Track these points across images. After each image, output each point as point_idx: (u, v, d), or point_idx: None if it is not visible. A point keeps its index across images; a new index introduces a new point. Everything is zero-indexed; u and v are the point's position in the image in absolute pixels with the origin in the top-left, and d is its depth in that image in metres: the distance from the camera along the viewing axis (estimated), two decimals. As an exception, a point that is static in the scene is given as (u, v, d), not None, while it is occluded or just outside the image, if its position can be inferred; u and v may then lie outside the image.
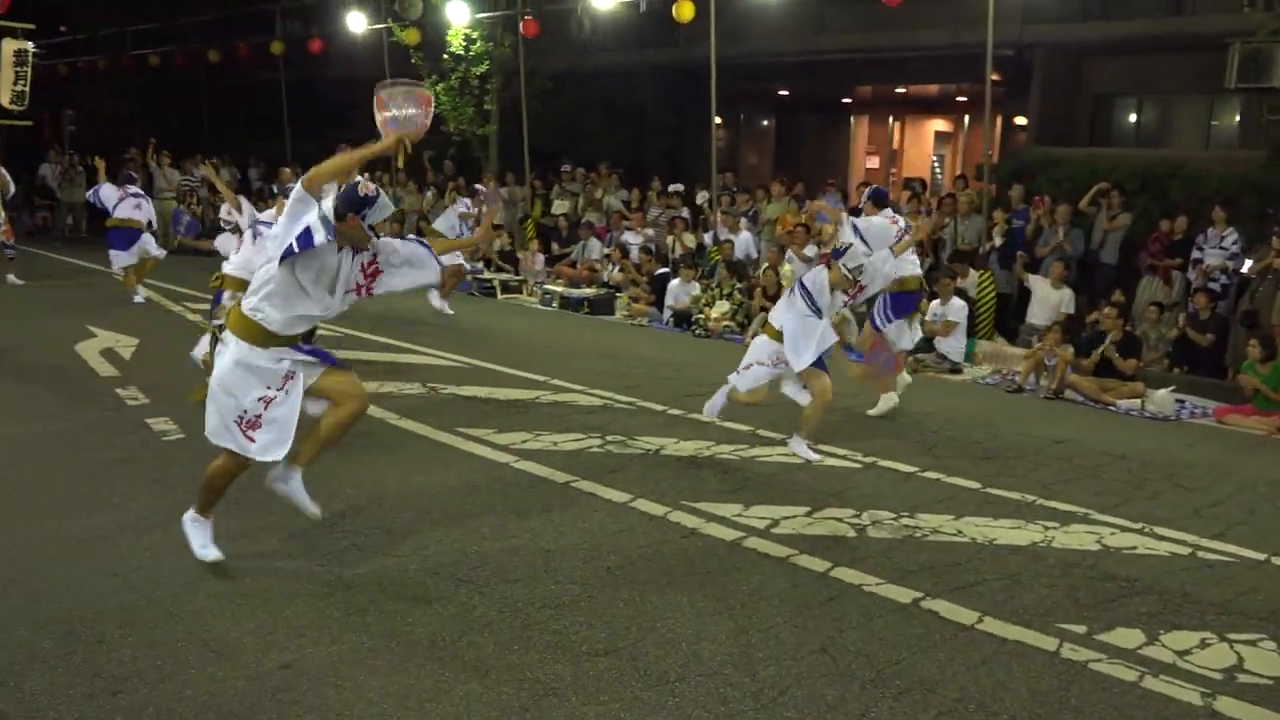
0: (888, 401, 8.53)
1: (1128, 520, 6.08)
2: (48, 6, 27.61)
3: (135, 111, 24.96)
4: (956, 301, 11.00)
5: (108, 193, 13.35)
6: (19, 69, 15.04)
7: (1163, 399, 9.31)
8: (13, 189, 14.72)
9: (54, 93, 29.40)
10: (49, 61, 25.67)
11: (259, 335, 4.68)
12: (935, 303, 11.10)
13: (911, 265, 8.30)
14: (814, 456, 7.07)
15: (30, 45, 15.36)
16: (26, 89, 15.23)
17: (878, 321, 8.42)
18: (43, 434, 7.04)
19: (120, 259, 13.10)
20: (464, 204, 15.30)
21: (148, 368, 9.19)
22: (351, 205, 4.62)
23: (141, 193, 13.52)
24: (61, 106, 30.91)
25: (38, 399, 7.96)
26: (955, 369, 10.83)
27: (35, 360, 9.35)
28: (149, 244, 13.24)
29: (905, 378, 8.71)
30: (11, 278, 14.23)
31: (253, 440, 4.70)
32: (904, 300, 8.35)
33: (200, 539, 4.86)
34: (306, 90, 24.03)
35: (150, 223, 13.34)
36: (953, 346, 10.91)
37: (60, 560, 4.92)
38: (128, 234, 13.08)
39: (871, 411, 8.52)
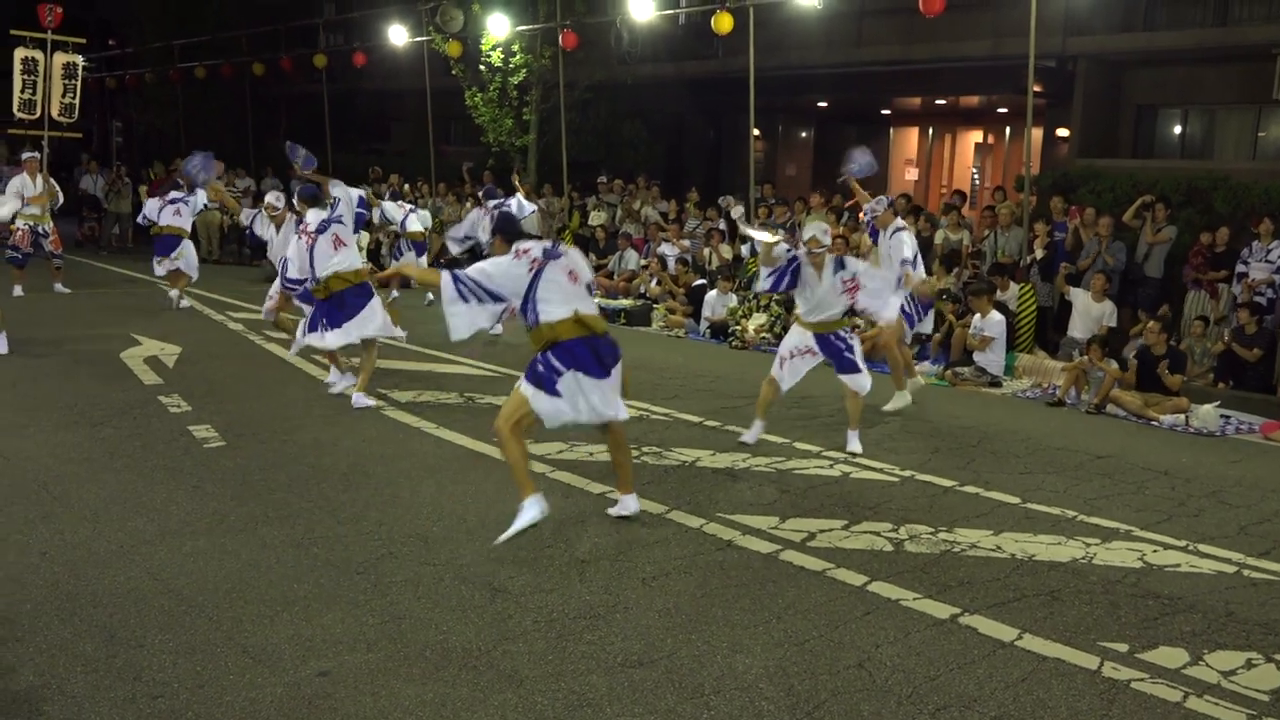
0: (901, 399, 9.00)
1: (1171, 537, 5.99)
2: (97, 21, 28.21)
3: (181, 123, 25.37)
4: (995, 315, 10.90)
5: (151, 206, 13.91)
6: (68, 82, 15.36)
7: (1207, 414, 9.16)
8: (61, 199, 15.01)
9: (101, 105, 30.00)
10: (97, 75, 26.21)
11: None
12: (975, 316, 11.01)
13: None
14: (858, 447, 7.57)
15: (80, 59, 15.67)
16: (76, 101, 15.54)
17: (914, 320, 9.32)
18: (88, 440, 7.15)
19: (163, 264, 13.49)
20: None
21: (190, 376, 9.32)
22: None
23: (180, 196, 13.81)
24: (109, 119, 31.52)
25: (83, 405, 8.09)
26: (995, 382, 10.73)
27: (82, 368, 9.50)
28: (188, 253, 13.57)
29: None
30: (59, 286, 14.48)
31: None
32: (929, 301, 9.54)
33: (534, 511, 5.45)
34: (347, 102, 24.33)
35: (194, 227, 13.80)
36: (992, 360, 10.81)
37: (102, 565, 4.99)
38: (170, 241, 13.48)
39: (886, 407, 8.87)
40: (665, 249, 15.64)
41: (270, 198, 10.59)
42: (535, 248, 5.57)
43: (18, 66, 15.12)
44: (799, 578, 5.13)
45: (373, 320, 8.42)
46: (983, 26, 16.44)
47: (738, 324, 12.75)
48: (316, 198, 8.76)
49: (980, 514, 6.26)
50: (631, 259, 16.01)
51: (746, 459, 7.24)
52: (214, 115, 25.64)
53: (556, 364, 5.51)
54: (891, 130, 22.73)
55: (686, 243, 15.70)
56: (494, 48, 18.31)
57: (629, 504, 5.92)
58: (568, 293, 5.53)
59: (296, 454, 7.00)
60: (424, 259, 14.95)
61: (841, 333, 7.59)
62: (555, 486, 6.42)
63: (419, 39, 19.43)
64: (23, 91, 15.16)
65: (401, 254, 15.04)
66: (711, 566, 5.24)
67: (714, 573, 5.15)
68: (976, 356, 10.86)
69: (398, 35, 19.80)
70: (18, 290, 13.81)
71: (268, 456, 6.91)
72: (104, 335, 11.14)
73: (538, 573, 5.07)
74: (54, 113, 15.30)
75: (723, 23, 14.42)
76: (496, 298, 5.49)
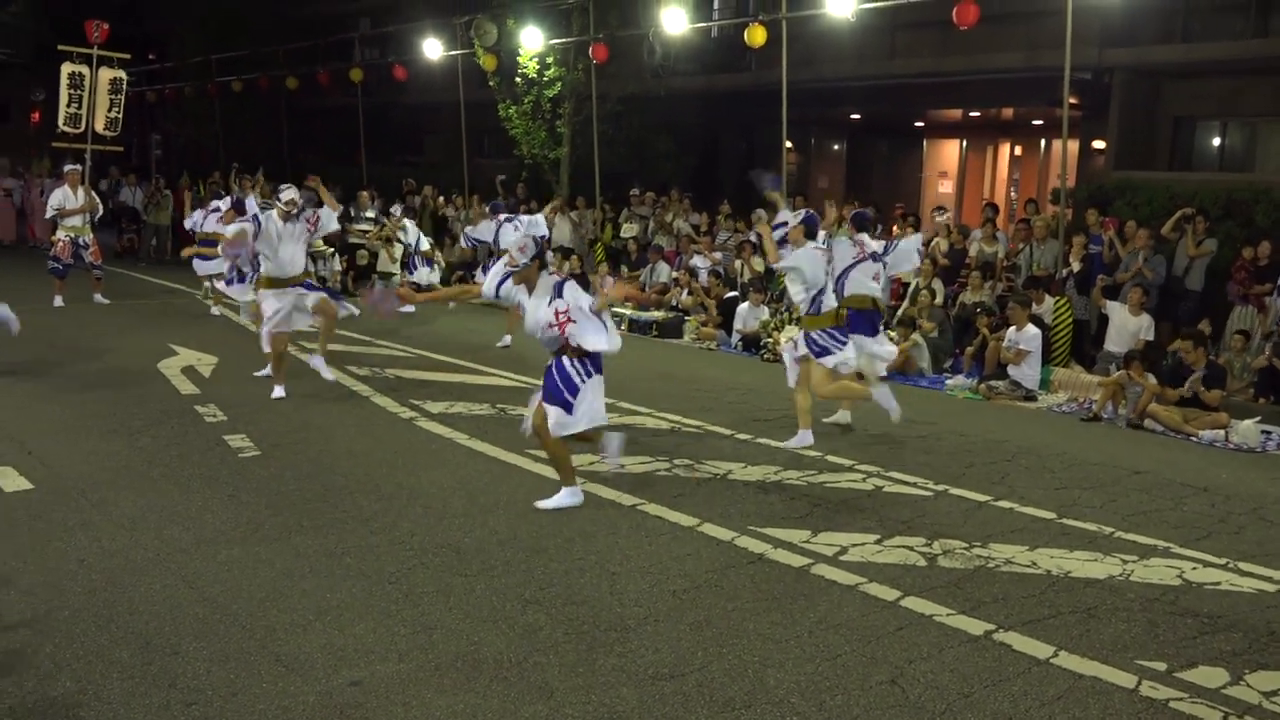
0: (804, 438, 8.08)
1: (1211, 555, 5.89)
2: (141, 35, 28.68)
3: (219, 136, 25.70)
4: (1031, 329, 10.80)
5: (196, 216, 14.19)
6: (114, 97, 15.62)
7: (1248, 430, 9.02)
8: (101, 210, 15.24)
9: (141, 118, 30.47)
10: (137, 89, 26.64)
11: None
12: (1010, 330, 10.92)
13: (865, 287, 8.46)
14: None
15: (124, 74, 15.93)
16: (120, 116, 15.79)
17: (820, 350, 8.17)
18: (126, 450, 7.24)
19: (205, 267, 13.73)
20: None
21: (226, 386, 9.42)
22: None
23: (219, 208, 14.01)
24: (148, 132, 32.01)
25: (122, 415, 8.19)
26: (1030, 396, 10.62)
27: (120, 377, 9.62)
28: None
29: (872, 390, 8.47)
30: (98, 297, 14.68)
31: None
32: (861, 318, 8.42)
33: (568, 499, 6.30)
34: (382, 115, 24.53)
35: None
36: (1027, 374, 10.70)
37: (139, 572, 5.04)
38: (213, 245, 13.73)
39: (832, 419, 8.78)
40: (697, 261, 15.64)
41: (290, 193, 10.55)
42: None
43: (64, 82, 15.37)
44: (831, 592, 5.10)
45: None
46: (1017, 38, 16.34)
47: (769, 336, 12.70)
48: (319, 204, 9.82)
49: (1015, 529, 6.20)
50: (663, 271, 16.02)
51: (779, 471, 7.21)
52: (251, 128, 25.96)
53: (587, 369, 6.20)
54: (925, 142, 22.65)
55: (718, 255, 15.69)
56: (531, 59, 18.41)
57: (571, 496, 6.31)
58: None
59: (330, 464, 7.05)
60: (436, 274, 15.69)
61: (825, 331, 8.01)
62: (587, 498, 6.41)
63: (453, 53, 19.58)
64: (69, 106, 15.42)
65: (415, 269, 15.37)
66: (743, 580, 5.22)
67: (745, 586, 5.13)
68: (1011, 370, 10.76)
69: (432, 49, 19.96)
70: (58, 301, 14.03)
71: (302, 466, 6.97)
72: (142, 345, 11.28)
73: (569, 584, 5.07)
74: (99, 127, 15.54)
75: (756, 35, 14.42)
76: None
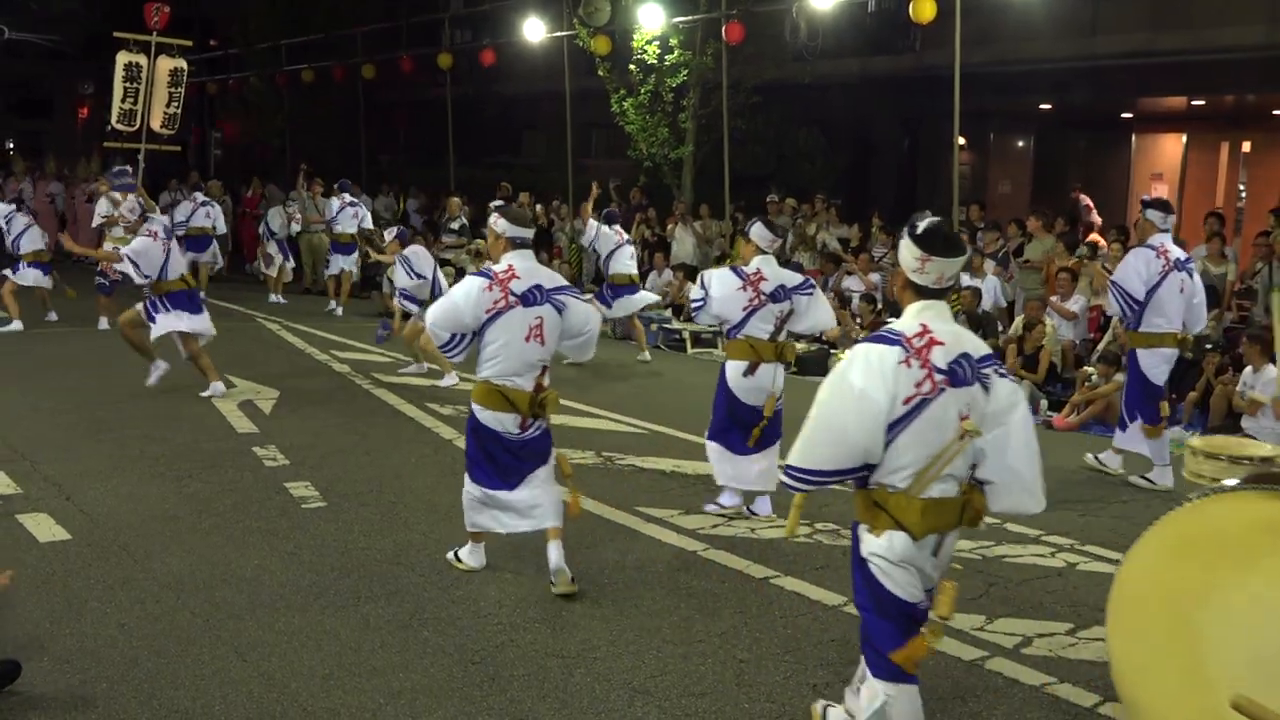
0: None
1: None
2: (201, 20, 30.03)
3: (286, 133, 26.59)
4: (1271, 370, 10.39)
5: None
6: (172, 90, 16.31)
7: None
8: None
9: (200, 113, 31.87)
10: (196, 79, 27.89)
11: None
12: (1244, 371, 10.54)
13: (625, 265, 14.03)
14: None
15: (185, 64, 16.65)
16: (178, 112, 16.50)
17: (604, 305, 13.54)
18: (172, 495, 7.53)
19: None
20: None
21: (289, 425, 9.72)
22: None
23: (209, 200, 16.91)
24: (206, 128, 33.44)
25: (170, 456, 8.52)
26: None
27: (169, 412, 10.01)
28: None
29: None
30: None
31: None
32: (619, 289, 13.99)
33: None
34: (474, 109, 25.09)
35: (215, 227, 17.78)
36: (1265, 427, 10.30)
37: (185, 640, 5.23)
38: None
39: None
40: (848, 283, 15.54)
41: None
42: None
43: (119, 73, 16.06)
44: (1010, 693, 4.98)
45: None
46: (1254, 7, 15.87)
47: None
48: None
49: (1248, 622, 5.94)
50: (806, 295, 15.96)
51: (945, 542, 7.07)
52: (322, 123, 26.76)
53: None
54: (1134, 138, 22.12)
55: (874, 277, 15.56)
56: (648, 42, 18.58)
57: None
58: None
59: (407, 519, 7.20)
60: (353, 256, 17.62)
61: None
62: (710, 568, 6.41)
63: (559, 34, 19.91)
64: (124, 101, 16.12)
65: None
66: (900, 674, 5.12)
67: (903, 682, 5.04)
68: (1245, 422, 10.38)
69: (534, 30, 20.31)
70: (104, 323, 14.64)
71: (374, 521, 7.14)
72: (194, 375, 11.67)
73: (687, 673, 5.06)
74: (155, 124, 16.23)
75: (923, 9, 14.28)
76: None
